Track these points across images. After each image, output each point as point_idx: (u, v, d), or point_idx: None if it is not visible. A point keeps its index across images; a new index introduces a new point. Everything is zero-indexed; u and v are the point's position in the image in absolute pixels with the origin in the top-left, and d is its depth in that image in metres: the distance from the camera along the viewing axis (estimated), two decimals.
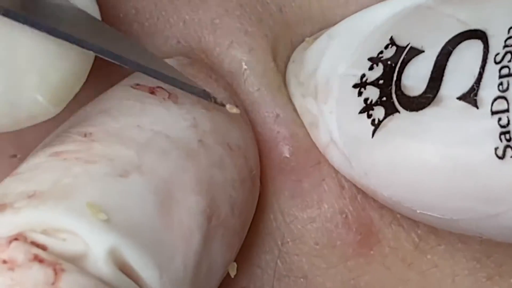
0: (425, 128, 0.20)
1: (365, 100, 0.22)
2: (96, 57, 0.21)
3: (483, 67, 0.19)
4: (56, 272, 0.17)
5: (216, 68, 0.25)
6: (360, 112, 0.22)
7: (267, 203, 0.25)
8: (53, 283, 0.17)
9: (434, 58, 0.20)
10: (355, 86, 0.22)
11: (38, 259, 0.17)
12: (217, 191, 0.21)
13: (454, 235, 0.24)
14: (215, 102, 0.22)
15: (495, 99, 0.18)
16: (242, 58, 0.24)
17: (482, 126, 0.19)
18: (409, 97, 0.20)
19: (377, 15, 0.23)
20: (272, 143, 0.24)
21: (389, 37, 0.22)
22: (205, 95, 0.22)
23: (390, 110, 0.21)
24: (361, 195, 0.24)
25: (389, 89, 0.21)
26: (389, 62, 0.21)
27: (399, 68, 0.21)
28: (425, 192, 0.20)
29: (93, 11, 0.22)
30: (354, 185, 0.24)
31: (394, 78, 0.21)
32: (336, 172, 0.24)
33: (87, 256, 0.18)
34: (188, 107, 0.22)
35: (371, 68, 0.22)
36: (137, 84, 0.22)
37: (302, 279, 0.25)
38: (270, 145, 0.24)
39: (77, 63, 0.21)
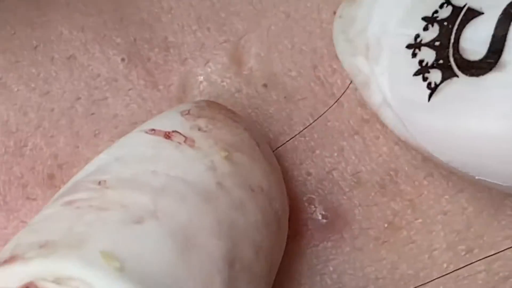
0: (486, 94, 0.19)
1: (420, 62, 0.20)
2: None
3: None
4: None
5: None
6: (415, 75, 0.21)
7: None
8: None
9: (495, 21, 0.19)
10: (408, 46, 0.21)
11: None
12: (239, 235, 0.20)
13: (434, 207, 0.24)
14: None
15: None
16: None
17: None
18: (468, 61, 0.19)
19: None
20: None
21: None
22: None
23: (448, 74, 0.20)
24: (327, 181, 0.24)
25: (446, 51, 0.20)
26: (445, 23, 0.20)
27: (457, 30, 0.20)
28: (485, 159, 0.19)
29: None
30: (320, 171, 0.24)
31: (452, 41, 0.20)
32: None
33: None
34: (205, 150, 0.21)
35: (425, 29, 0.21)
36: (152, 130, 0.22)
37: None
38: None
39: None
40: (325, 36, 0.26)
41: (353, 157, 0.25)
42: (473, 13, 0.20)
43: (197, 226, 0.20)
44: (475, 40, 0.19)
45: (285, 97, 0.26)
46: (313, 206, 0.25)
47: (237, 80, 0.26)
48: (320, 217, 0.25)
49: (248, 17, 0.26)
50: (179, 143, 0.22)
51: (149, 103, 0.26)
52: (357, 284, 0.24)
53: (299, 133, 0.25)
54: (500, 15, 0.19)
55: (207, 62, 0.26)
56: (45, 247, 0.18)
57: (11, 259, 0.18)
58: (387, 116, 0.22)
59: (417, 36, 0.21)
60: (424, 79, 0.20)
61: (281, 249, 0.23)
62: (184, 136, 0.22)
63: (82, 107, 0.26)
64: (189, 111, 0.23)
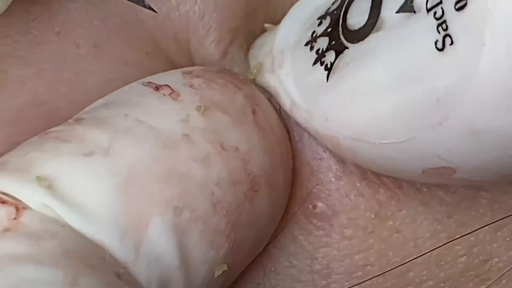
0: (371, 53, 0.20)
1: (317, 51, 0.22)
2: None
3: None
4: (17, 209, 0.19)
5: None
6: (314, 64, 0.22)
7: None
8: (15, 218, 0.19)
9: None
10: (306, 44, 0.22)
11: (1, 201, 0.19)
12: (193, 185, 0.21)
13: (416, 199, 0.24)
14: (144, 5, 0.22)
15: None
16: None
17: (421, 26, 0.18)
18: (354, 31, 0.21)
19: None
20: None
21: None
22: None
23: (340, 49, 0.21)
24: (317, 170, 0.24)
25: (336, 32, 0.21)
26: (335, 12, 0.22)
27: (344, 12, 0.21)
28: (380, 117, 0.20)
29: None
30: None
31: (340, 21, 0.21)
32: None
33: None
34: (185, 104, 0.22)
35: (319, 24, 0.22)
36: (149, 82, 0.23)
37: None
38: None
39: None
40: None
41: None
42: None
43: (144, 168, 0.21)
44: (358, 13, 0.21)
45: None
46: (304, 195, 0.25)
47: None
48: (310, 207, 0.25)
49: None
50: (164, 94, 0.22)
51: None
52: (346, 270, 0.25)
53: None
54: None
55: None
56: (1, 165, 0.21)
57: None
58: (298, 116, 0.23)
59: (313, 32, 0.23)
60: (322, 63, 0.22)
61: (252, 210, 0.23)
62: (172, 89, 0.23)
63: None
64: (192, 71, 0.24)
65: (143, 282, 0.20)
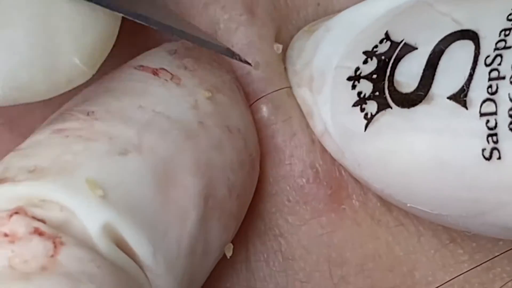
0: (415, 125, 0.20)
1: (359, 93, 0.22)
2: (123, 20, 0.22)
3: (473, 68, 0.19)
4: (55, 245, 0.18)
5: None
6: (354, 105, 0.22)
7: None
8: (52, 256, 0.18)
9: (427, 56, 0.21)
10: (349, 78, 0.23)
11: (38, 232, 0.18)
12: (215, 173, 0.21)
13: None
14: (240, 59, 0.22)
15: (484, 101, 0.19)
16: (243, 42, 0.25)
17: (470, 127, 0.19)
18: (401, 93, 0.21)
19: (374, 8, 0.23)
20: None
21: (385, 32, 0.22)
22: (228, 53, 0.22)
23: (383, 106, 0.21)
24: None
25: (382, 84, 0.21)
26: (383, 57, 0.22)
27: (393, 63, 0.21)
28: (414, 187, 0.21)
29: None
30: None
31: (387, 74, 0.21)
32: (307, 125, 0.25)
33: (84, 230, 0.19)
34: (190, 89, 0.22)
35: (365, 62, 0.22)
36: (141, 66, 0.23)
37: (280, 238, 0.25)
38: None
39: (107, 24, 0.21)
40: None
41: None
42: (408, 48, 0.21)
43: (177, 162, 0.20)
44: (408, 74, 0.21)
45: None
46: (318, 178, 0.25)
47: None
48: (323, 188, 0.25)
49: None
50: (166, 80, 0.22)
51: None
52: (357, 260, 0.25)
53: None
54: (431, 51, 0.21)
55: None
56: (34, 172, 0.19)
57: (1, 181, 0.19)
58: (329, 145, 0.24)
59: (357, 69, 0.22)
60: (362, 110, 0.22)
61: (252, 189, 0.24)
62: (171, 73, 0.22)
63: None
64: (176, 50, 0.24)
65: (178, 279, 0.20)
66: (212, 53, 0.24)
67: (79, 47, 0.20)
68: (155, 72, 0.22)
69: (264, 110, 0.25)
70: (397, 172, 0.21)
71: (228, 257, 0.23)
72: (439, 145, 0.20)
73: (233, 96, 0.23)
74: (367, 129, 0.22)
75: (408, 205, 0.22)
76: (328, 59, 0.23)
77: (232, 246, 0.23)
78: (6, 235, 0.18)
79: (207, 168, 0.21)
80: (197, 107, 0.22)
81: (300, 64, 0.25)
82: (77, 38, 0.20)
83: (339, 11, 0.25)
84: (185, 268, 0.20)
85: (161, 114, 0.21)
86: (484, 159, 0.19)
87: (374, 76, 0.22)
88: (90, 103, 0.21)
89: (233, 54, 0.22)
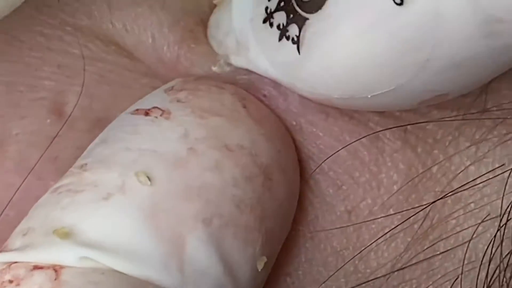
0: (334, 18, 0.21)
1: (278, 26, 0.22)
2: None
3: None
4: (56, 270, 0.19)
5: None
6: (280, 39, 0.22)
7: None
8: (55, 279, 0.19)
9: None
10: (264, 21, 0.23)
11: (37, 268, 0.20)
12: (214, 193, 0.22)
13: None
14: None
15: None
16: None
17: None
18: (309, 1, 0.21)
19: None
20: None
21: None
22: None
23: (300, 22, 0.22)
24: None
25: (290, 5, 0.22)
26: None
27: None
28: (363, 74, 0.21)
29: None
30: None
31: None
32: None
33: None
34: (180, 119, 0.23)
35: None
36: (136, 110, 0.23)
37: None
38: None
39: None
40: None
41: None
42: None
43: (164, 192, 0.21)
44: None
45: None
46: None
47: None
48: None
49: None
50: (156, 117, 0.23)
51: None
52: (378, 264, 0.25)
53: None
54: None
55: None
56: (27, 235, 0.21)
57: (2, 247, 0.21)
58: (284, 89, 0.24)
59: (266, 8, 0.23)
60: (287, 38, 0.22)
61: (276, 198, 0.23)
62: (161, 110, 0.23)
63: None
64: (173, 87, 0.24)
65: None
66: (217, 82, 0.25)
67: None
68: (147, 113, 0.23)
69: None
70: (344, 71, 0.21)
71: (259, 270, 0.22)
72: (361, 20, 0.20)
73: (234, 114, 0.23)
74: (301, 50, 0.22)
75: (370, 96, 0.22)
76: (242, 18, 0.24)
77: (265, 260, 0.23)
78: (10, 281, 0.19)
79: (202, 191, 0.21)
80: (186, 135, 0.22)
81: (221, 34, 0.25)
82: None
83: None
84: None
85: (147, 150, 0.22)
86: (397, 6, 0.19)
87: (282, 4, 0.22)
88: (84, 156, 0.23)
89: None
